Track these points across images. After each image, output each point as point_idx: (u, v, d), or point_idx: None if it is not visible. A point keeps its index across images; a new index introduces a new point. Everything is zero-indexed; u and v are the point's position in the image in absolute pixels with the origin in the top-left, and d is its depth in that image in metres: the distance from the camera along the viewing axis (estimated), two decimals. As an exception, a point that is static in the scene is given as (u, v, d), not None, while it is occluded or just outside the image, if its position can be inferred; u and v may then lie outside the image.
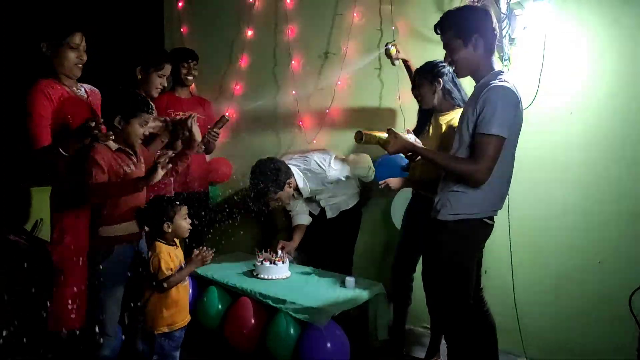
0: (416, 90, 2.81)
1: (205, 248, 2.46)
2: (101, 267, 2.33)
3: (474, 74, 2.20)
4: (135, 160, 2.42)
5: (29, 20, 2.72)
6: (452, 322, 2.25)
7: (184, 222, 2.45)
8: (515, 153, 2.22)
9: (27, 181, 2.94)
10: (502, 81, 2.08)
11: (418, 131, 2.87)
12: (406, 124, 3.21)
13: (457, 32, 2.16)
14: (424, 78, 2.73)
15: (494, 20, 2.21)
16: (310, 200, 3.43)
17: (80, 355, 2.39)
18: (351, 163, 3.29)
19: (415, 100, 2.87)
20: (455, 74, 2.53)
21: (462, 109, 2.62)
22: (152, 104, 2.44)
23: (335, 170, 3.22)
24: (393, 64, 3.17)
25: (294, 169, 3.22)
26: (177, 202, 2.45)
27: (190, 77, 3.46)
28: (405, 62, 3.15)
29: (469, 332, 2.23)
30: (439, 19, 2.24)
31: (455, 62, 2.21)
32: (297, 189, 3.25)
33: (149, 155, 2.56)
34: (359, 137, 2.38)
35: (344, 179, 3.24)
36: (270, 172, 3.09)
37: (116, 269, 2.37)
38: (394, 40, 3.19)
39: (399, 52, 3.12)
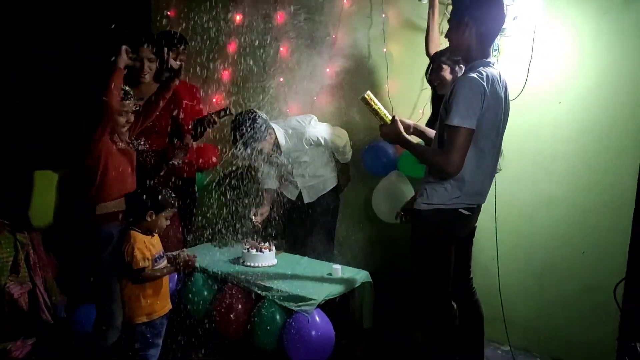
0: (434, 73, 2.75)
1: (193, 255, 2.52)
2: (104, 256, 2.35)
3: (464, 59, 2.20)
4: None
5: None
6: (428, 309, 2.29)
7: (164, 221, 2.45)
8: (502, 144, 2.22)
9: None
10: (475, 71, 2.05)
11: (433, 120, 2.85)
12: (395, 111, 3.19)
13: (454, 12, 2.16)
14: (444, 63, 2.70)
15: (499, 9, 2.12)
16: (288, 180, 3.41)
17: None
18: (329, 129, 3.27)
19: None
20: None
21: None
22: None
23: (314, 128, 3.20)
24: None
25: (274, 125, 3.20)
26: (172, 202, 2.45)
27: (178, 63, 3.39)
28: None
29: (443, 320, 2.26)
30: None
31: (452, 46, 2.21)
32: (277, 145, 3.21)
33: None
34: (364, 99, 2.31)
35: (322, 141, 3.19)
36: (250, 123, 3.07)
37: (116, 254, 2.36)
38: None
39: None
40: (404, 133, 2.26)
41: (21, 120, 3.48)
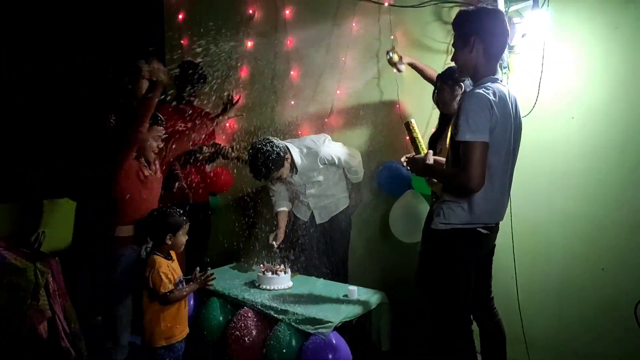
0: (437, 95, 2.80)
1: (210, 272, 2.54)
2: (115, 275, 2.37)
3: (472, 77, 2.21)
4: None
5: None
6: (446, 330, 2.25)
7: (183, 237, 2.49)
8: (516, 161, 2.22)
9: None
10: (481, 87, 2.06)
11: (438, 133, 2.87)
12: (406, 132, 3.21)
13: (459, 33, 2.17)
14: (445, 83, 2.73)
15: (503, 24, 2.15)
16: (300, 201, 3.41)
17: None
18: (342, 148, 3.28)
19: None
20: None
21: None
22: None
23: (328, 147, 3.21)
24: (399, 70, 3.16)
25: (289, 145, 3.19)
26: (184, 218, 2.47)
27: (192, 99, 3.49)
28: (412, 65, 3.13)
29: (462, 340, 2.23)
30: (454, 19, 2.24)
31: (458, 65, 2.22)
32: (292, 164, 3.20)
33: None
34: (408, 124, 2.42)
35: (336, 160, 3.20)
36: (269, 152, 3.05)
37: (127, 276, 2.39)
38: (393, 47, 3.17)
39: (401, 57, 3.10)
40: (428, 165, 2.29)
41: (21, 121, 3.50)
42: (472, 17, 2.15)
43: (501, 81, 2.16)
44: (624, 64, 2.68)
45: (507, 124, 2.10)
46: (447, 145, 2.65)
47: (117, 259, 2.42)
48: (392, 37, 3.37)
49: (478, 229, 2.16)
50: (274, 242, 3.30)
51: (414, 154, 2.41)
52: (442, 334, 2.28)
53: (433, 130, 2.98)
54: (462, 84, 2.67)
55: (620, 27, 2.67)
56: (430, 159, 2.29)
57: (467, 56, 2.15)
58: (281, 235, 3.38)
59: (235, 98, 3.54)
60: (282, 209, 3.44)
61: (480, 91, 2.04)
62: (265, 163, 3.03)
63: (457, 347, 2.23)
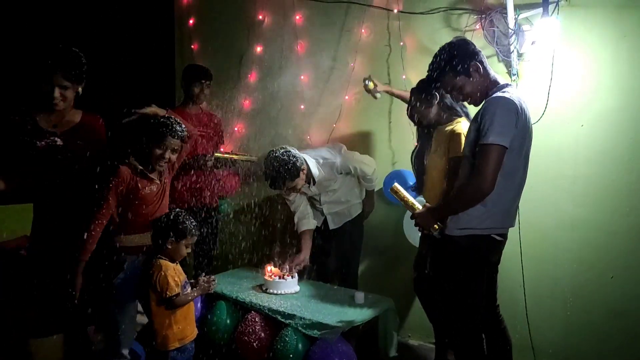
0: (412, 110, 2.79)
1: (213, 278, 2.53)
2: (115, 282, 2.36)
3: (486, 95, 2.20)
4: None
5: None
6: (460, 337, 2.25)
7: (184, 248, 2.45)
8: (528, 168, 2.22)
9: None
10: (503, 92, 2.09)
11: (421, 149, 2.88)
12: (415, 137, 3.22)
13: (454, 70, 2.19)
14: (419, 96, 2.73)
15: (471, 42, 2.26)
16: (313, 206, 3.41)
17: None
18: (358, 157, 3.28)
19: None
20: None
21: (462, 117, 2.64)
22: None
23: (345, 157, 3.20)
24: (374, 97, 3.20)
25: (305, 156, 3.15)
26: (194, 229, 2.45)
27: (202, 96, 3.48)
28: (389, 92, 3.18)
29: (476, 346, 2.23)
30: (426, 78, 2.31)
31: (469, 96, 2.24)
32: (309, 176, 3.16)
33: None
34: (393, 189, 2.43)
35: (352, 170, 3.20)
36: (285, 160, 3.00)
37: (130, 284, 2.39)
38: (369, 76, 3.16)
39: (376, 85, 3.13)
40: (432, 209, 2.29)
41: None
42: (454, 51, 2.20)
43: (512, 87, 2.18)
44: (632, 72, 2.68)
45: (527, 129, 2.14)
46: (441, 151, 2.64)
47: (118, 264, 2.40)
48: (401, 43, 3.39)
49: (492, 235, 2.16)
50: (297, 267, 3.19)
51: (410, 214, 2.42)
52: (455, 342, 2.29)
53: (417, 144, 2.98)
54: (437, 94, 2.66)
55: (629, 35, 2.68)
56: (427, 206, 2.31)
57: (476, 81, 2.19)
58: (305, 258, 3.28)
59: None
60: (306, 228, 3.32)
61: (506, 95, 2.06)
62: (280, 171, 2.99)
63: (470, 355, 2.23)
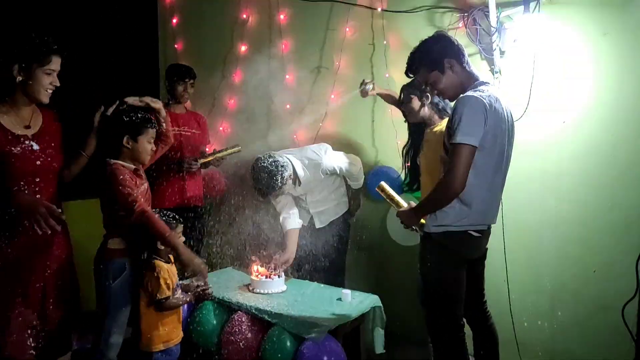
0: (403, 106, 2.83)
1: (209, 287, 2.51)
2: (112, 286, 2.33)
3: (462, 92, 2.22)
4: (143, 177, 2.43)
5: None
6: (438, 333, 2.29)
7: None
8: (509, 165, 2.24)
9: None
10: (475, 91, 2.10)
11: (413, 147, 2.90)
12: (398, 136, 3.24)
13: (428, 65, 2.23)
14: (411, 94, 2.75)
15: (452, 38, 2.28)
16: (299, 205, 3.40)
17: None
18: (343, 157, 3.28)
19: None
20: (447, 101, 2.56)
21: None
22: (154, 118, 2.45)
23: (330, 158, 3.20)
24: (363, 97, 3.16)
25: (291, 157, 3.13)
26: (177, 220, 2.43)
27: (186, 95, 3.47)
28: (379, 95, 3.16)
29: (453, 344, 2.25)
30: (406, 65, 2.32)
31: (442, 91, 2.27)
32: (295, 177, 3.15)
33: None
34: (380, 187, 2.47)
35: (338, 170, 3.21)
36: (273, 172, 2.97)
37: (124, 289, 2.36)
38: (372, 81, 3.13)
39: (374, 89, 3.11)
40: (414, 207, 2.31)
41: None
42: (430, 46, 2.24)
43: (492, 84, 2.19)
44: (613, 69, 2.71)
45: (500, 127, 2.13)
46: (433, 151, 2.67)
47: (117, 268, 2.36)
48: (384, 42, 3.40)
49: (470, 231, 2.18)
50: (282, 267, 3.17)
51: (396, 210, 2.43)
52: (434, 338, 2.32)
53: (399, 142, 3.00)
54: (429, 93, 2.69)
55: (610, 33, 2.71)
56: (412, 204, 2.34)
57: (450, 78, 2.21)
58: (290, 258, 3.25)
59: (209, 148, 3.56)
60: (292, 227, 3.29)
61: (475, 95, 2.07)
62: (270, 184, 2.98)
63: (448, 351, 2.26)
